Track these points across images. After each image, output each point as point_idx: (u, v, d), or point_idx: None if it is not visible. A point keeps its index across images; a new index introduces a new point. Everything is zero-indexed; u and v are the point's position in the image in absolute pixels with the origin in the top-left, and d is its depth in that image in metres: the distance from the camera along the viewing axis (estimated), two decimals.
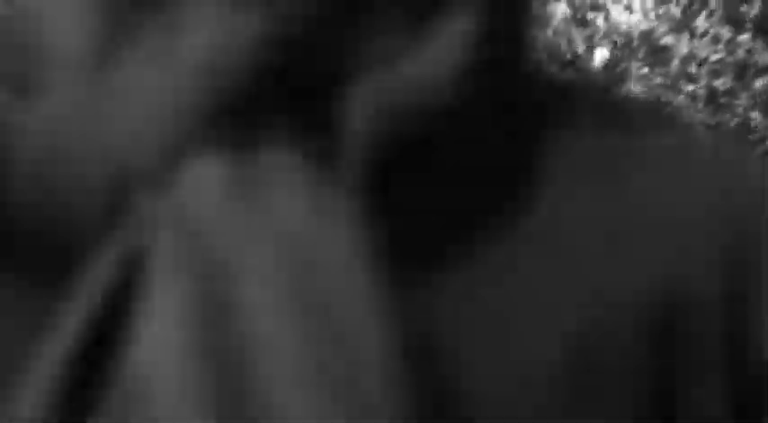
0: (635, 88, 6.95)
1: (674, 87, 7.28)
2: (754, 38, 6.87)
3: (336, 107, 0.36)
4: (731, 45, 6.99)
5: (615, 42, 7.23)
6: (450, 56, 0.38)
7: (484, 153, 0.40)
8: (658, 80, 7.36)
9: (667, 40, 7.08)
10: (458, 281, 0.38)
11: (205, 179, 0.35)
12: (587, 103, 0.45)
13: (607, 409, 0.40)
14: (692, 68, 7.24)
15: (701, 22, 7.08)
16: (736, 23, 6.82)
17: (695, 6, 7.00)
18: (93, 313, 0.34)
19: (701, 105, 7.07)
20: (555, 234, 0.41)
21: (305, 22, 0.36)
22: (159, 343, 0.33)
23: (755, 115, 7.08)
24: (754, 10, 6.55)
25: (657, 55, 7.14)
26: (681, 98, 7.19)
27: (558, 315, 0.40)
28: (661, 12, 6.97)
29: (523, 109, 0.43)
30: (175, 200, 0.34)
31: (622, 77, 7.17)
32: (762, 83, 7.03)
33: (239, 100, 0.35)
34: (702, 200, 0.42)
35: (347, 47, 0.37)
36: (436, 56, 0.38)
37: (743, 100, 7.03)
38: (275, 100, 0.35)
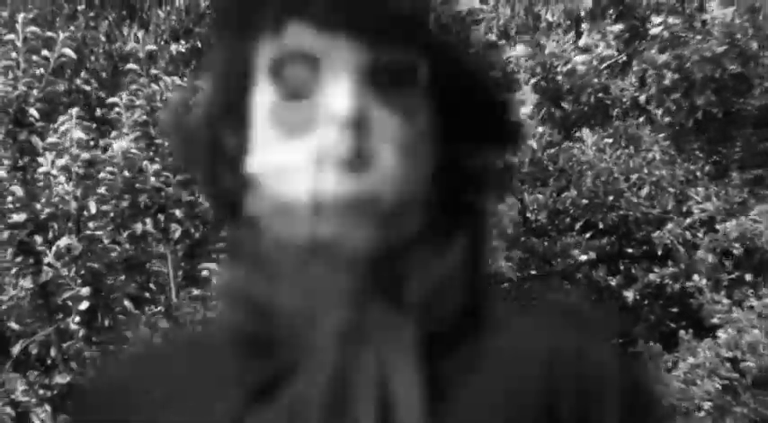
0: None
1: None
2: None
3: (409, 293, 0.90)
4: None
5: None
6: (454, 267, 0.93)
7: (462, 321, 0.93)
8: None
9: None
10: (449, 369, 0.91)
11: (333, 329, 0.88)
12: (505, 304, 1.04)
13: None
14: None
15: None
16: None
17: None
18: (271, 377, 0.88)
19: None
20: (487, 359, 0.93)
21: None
22: (311, 385, 0.86)
23: None
24: None
25: None
26: None
27: (491, 402, 0.92)
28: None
29: (480, 304, 0.96)
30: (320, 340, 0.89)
31: None
32: None
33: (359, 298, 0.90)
34: (560, 352, 0.94)
35: (406, 267, 0.92)
36: (450, 266, 0.92)
37: None
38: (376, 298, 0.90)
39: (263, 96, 0.97)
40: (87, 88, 6.22)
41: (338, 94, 0.92)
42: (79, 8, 9.24)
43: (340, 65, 0.94)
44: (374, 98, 0.94)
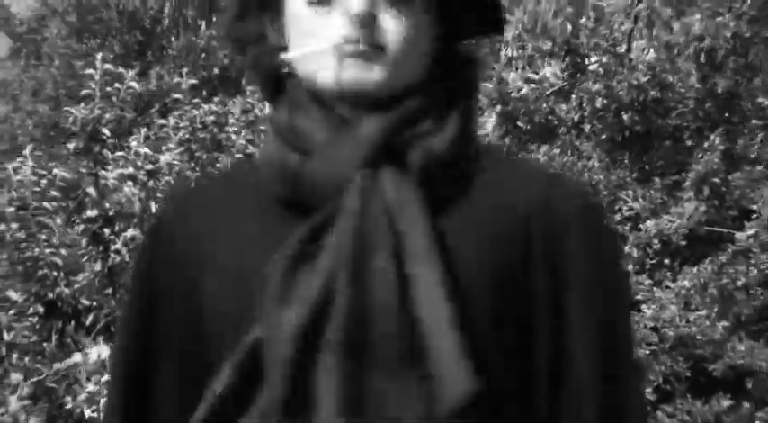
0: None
1: None
2: None
3: (408, 157, 1.03)
4: None
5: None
6: (452, 133, 1.06)
7: (460, 167, 1.07)
8: None
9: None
10: (448, 211, 1.04)
11: (358, 188, 1.00)
12: (494, 152, 1.22)
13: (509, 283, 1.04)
14: None
15: None
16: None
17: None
18: (312, 230, 1.01)
19: None
20: (483, 189, 1.06)
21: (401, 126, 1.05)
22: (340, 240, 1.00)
23: None
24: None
25: None
26: None
27: (483, 226, 1.05)
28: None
29: (475, 153, 1.11)
30: (347, 197, 1.00)
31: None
32: None
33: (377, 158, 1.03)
34: (536, 184, 1.09)
35: (410, 130, 1.05)
36: (448, 134, 1.05)
37: None
38: (385, 155, 1.03)
39: (295, 2, 1.09)
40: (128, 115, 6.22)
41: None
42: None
43: None
44: (383, 2, 1.06)
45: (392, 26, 1.06)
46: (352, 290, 0.97)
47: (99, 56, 5.61)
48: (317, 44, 1.05)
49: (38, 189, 5.37)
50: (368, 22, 1.04)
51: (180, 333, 1.13)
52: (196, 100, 5.95)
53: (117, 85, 5.54)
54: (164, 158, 5.49)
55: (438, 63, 1.12)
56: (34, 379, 5.23)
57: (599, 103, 6.61)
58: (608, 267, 1.10)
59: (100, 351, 5.22)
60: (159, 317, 1.14)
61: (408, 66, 1.08)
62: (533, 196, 1.09)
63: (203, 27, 9.82)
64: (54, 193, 5.39)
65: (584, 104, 6.70)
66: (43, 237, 5.44)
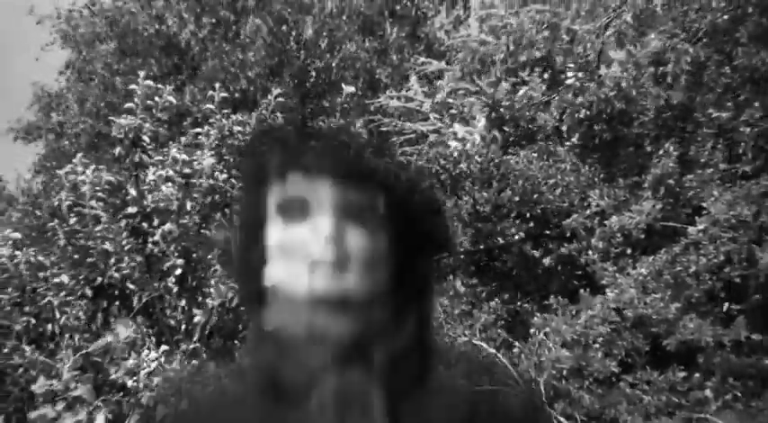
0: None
1: None
2: None
3: (375, 361, 1.11)
4: None
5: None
6: (409, 334, 1.16)
7: (415, 363, 1.15)
8: None
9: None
10: (406, 400, 1.13)
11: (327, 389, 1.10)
12: (442, 349, 1.25)
13: None
14: None
15: None
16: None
17: None
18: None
19: None
20: (431, 395, 1.15)
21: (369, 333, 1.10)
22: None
23: None
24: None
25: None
26: None
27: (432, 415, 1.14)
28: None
29: (428, 351, 1.18)
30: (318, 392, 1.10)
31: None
32: None
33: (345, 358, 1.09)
34: (466, 404, 1.17)
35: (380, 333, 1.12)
36: (404, 336, 1.15)
37: None
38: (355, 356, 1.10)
39: (274, 226, 1.16)
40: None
41: (323, 221, 1.11)
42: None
43: (324, 202, 1.12)
44: (347, 223, 1.13)
45: (357, 242, 1.12)
46: None
47: (142, 74, 5.86)
48: (294, 262, 1.12)
49: (87, 189, 5.62)
50: (337, 241, 1.10)
51: None
52: (225, 111, 6.25)
53: (156, 98, 5.82)
54: (205, 163, 5.77)
55: (397, 274, 1.17)
56: (82, 352, 5.49)
57: (582, 114, 6.74)
58: None
59: (125, 330, 5.59)
60: None
61: (372, 276, 1.12)
62: (481, 404, 1.20)
63: (230, 51, 10.03)
64: (101, 194, 5.65)
65: (565, 115, 6.81)
66: (96, 228, 5.70)
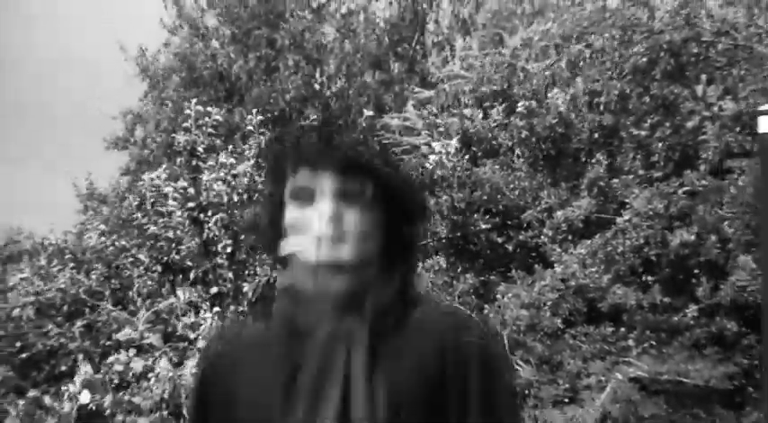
0: None
1: None
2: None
3: (366, 309, 1.22)
4: None
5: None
6: (394, 289, 1.27)
7: (399, 312, 1.26)
8: None
9: None
10: (390, 343, 1.23)
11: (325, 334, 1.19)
12: (426, 299, 1.32)
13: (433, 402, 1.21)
14: None
15: None
16: None
17: None
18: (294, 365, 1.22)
19: None
20: (414, 328, 1.26)
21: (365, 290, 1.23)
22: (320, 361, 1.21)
23: None
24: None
25: None
26: None
27: (413, 353, 1.23)
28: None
29: (411, 301, 1.29)
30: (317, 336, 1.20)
31: None
32: None
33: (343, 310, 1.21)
34: (450, 327, 1.27)
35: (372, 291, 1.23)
36: (391, 290, 1.26)
37: None
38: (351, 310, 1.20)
39: (289, 208, 1.27)
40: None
41: (325, 205, 1.21)
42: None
43: (325, 190, 1.22)
44: (344, 206, 1.23)
45: (351, 219, 1.22)
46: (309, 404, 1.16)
47: (194, 101, 6.50)
48: (304, 236, 1.22)
49: (168, 190, 6.14)
50: (335, 219, 1.20)
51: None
52: (262, 130, 6.89)
53: (207, 118, 6.50)
54: (241, 167, 6.41)
55: (384, 242, 1.27)
56: (153, 310, 6.28)
57: (523, 134, 7.45)
58: (497, 382, 1.26)
59: (186, 294, 6.18)
60: (210, 416, 1.37)
61: (364, 245, 1.22)
62: (447, 335, 1.24)
63: (268, 82, 11.11)
64: (176, 194, 6.30)
65: (514, 135, 7.44)
66: (160, 219, 6.43)
